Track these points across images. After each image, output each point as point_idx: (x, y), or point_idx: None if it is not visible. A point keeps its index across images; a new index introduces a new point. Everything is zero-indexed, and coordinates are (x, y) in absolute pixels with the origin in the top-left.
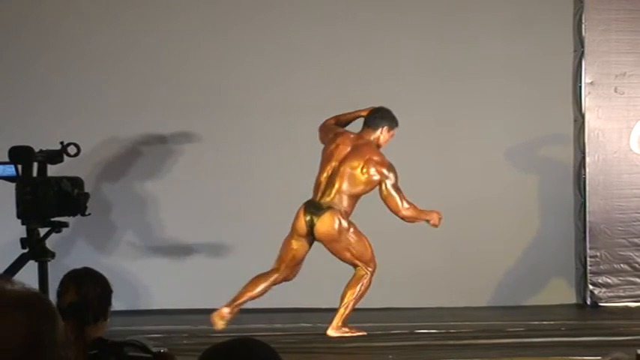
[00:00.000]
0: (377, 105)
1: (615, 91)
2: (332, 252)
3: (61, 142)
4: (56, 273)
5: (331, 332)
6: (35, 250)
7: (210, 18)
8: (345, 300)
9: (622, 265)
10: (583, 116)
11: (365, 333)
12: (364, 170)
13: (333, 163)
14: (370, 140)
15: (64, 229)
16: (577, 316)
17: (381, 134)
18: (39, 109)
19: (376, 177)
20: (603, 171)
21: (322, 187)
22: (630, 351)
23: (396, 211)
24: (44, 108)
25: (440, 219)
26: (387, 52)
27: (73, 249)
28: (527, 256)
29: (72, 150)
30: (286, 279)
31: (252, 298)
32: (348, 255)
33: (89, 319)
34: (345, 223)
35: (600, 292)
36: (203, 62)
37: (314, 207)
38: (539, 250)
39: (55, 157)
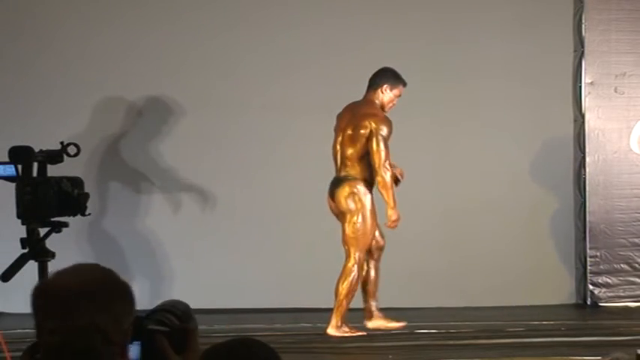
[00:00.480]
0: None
1: (615, 91)
2: (341, 222)
3: (61, 142)
4: None
5: (331, 331)
6: (35, 250)
7: (210, 18)
8: (339, 296)
9: (622, 265)
10: (583, 116)
11: (365, 333)
12: (358, 126)
13: (339, 137)
14: (370, 99)
15: (64, 229)
16: (577, 316)
17: (383, 93)
18: (39, 109)
19: (366, 129)
20: (603, 171)
21: (337, 163)
22: (630, 351)
23: (377, 167)
24: (44, 108)
25: (396, 223)
26: (387, 52)
27: (73, 249)
28: (527, 256)
29: (72, 150)
30: (375, 251)
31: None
32: (346, 231)
33: None
34: (358, 195)
35: (600, 292)
36: (204, 62)
37: (332, 183)
38: (539, 250)
39: (55, 157)
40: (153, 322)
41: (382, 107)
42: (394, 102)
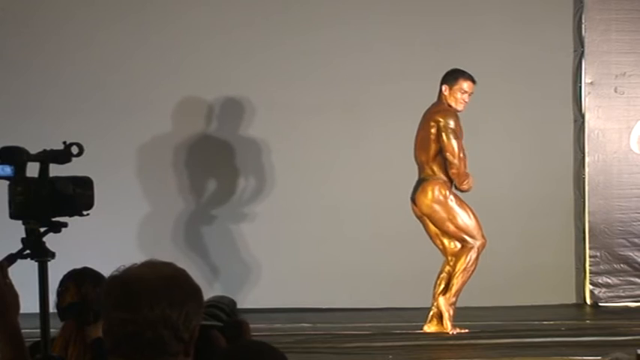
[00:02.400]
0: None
1: (615, 91)
2: (436, 227)
3: (64, 142)
4: (56, 273)
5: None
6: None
7: (211, 17)
8: (453, 283)
9: (622, 265)
10: (583, 116)
11: (467, 330)
12: (426, 127)
13: (415, 141)
14: (437, 102)
15: (64, 229)
16: (577, 316)
17: (445, 94)
18: (40, 109)
19: (434, 125)
20: (603, 171)
21: (418, 167)
22: (630, 351)
23: (451, 159)
24: (45, 108)
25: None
26: (387, 52)
27: (73, 249)
28: (527, 256)
29: (74, 150)
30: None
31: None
32: (451, 227)
33: (89, 319)
34: (441, 192)
35: (600, 292)
36: (204, 62)
37: (414, 188)
38: (539, 250)
39: (59, 157)
40: (204, 318)
41: (450, 107)
42: (463, 98)
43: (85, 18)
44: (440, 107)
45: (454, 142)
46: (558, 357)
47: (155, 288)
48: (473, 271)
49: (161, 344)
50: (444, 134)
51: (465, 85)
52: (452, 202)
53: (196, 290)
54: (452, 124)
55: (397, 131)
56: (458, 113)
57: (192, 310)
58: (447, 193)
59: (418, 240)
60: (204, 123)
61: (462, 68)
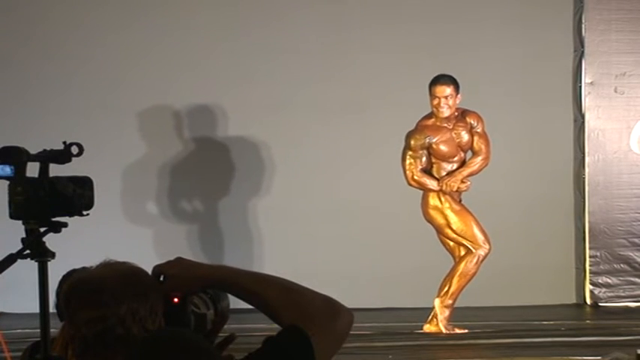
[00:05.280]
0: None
1: (615, 91)
2: (438, 232)
3: (64, 142)
4: (56, 273)
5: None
6: (32, 250)
7: (213, 17)
8: (450, 285)
9: (622, 265)
10: (583, 116)
11: (467, 330)
12: None
13: None
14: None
15: (64, 229)
16: (577, 316)
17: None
18: (40, 109)
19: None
20: (603, 171)
21: None
22: (630, 351)
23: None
24: (45, 108)
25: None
26: (387, 53)
27: (73, 249)
28: (527, 256)
29: (74, 150)
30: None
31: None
32: (450, 233)
33: None
34: (439, 200)
35: (600, 292)
36: (206, 61)
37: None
38: (539, 250)
39: (59, 156)
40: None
41: (433, 113)
42: (438, 103)
43: (85, 18)
44: (422, 119)
45: (406, 162)
46: (558, 357)
47: (117, 283)
48: (472, 276)
49: (133, 338)
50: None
51: (434, 89)
52: (449, 209)
53: (155, 281)
54: (409, 143)
55: (400, 132)
56: (427, 124)
57: (155, 301)
58: (444, 200)
59: (419, 240)
60: (205, 123)
61: (442, 73)
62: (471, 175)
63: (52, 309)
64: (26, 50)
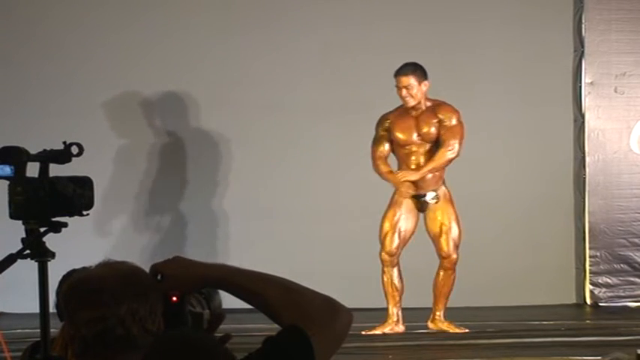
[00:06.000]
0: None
1: (615, 91)
2: None
3: (64, 142)
4: (56, 273)
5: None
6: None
7: (213, 17)
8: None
9: (622, 265)
10: (583, 116)
11: (467, 330)
12: None
13: None
14: None
15: (64, 229)
16: (577, 316)
17: None
18: (40, 109)
19: None
20: (603, 171)
21: None
22: (630, 351)
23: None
24: (45, 108)
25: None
26: (387, 53)
27: (73, 249)
28: (527, 256)
29: (74, 150)
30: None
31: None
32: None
33: None
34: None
35: (600, 292)
36: (206, 61)
37: None
38: (539, 250)
39: (60, 156)
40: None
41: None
42: (401, 93)
43: (85, 18)
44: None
45: (371, 148)
46: (558, 357)
47: (117, 283)
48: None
49: (133, 338)
50: None
51: (396, 79)
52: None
53: (155, 282)
54: (376, 128)
55: None
56: (395, 112)
57: (155, 301)
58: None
59: (418, 240)
60: (205, 123)
61: (407, 62)
62: (435, 168)
63: (52, 309)
64: (26, 50)
